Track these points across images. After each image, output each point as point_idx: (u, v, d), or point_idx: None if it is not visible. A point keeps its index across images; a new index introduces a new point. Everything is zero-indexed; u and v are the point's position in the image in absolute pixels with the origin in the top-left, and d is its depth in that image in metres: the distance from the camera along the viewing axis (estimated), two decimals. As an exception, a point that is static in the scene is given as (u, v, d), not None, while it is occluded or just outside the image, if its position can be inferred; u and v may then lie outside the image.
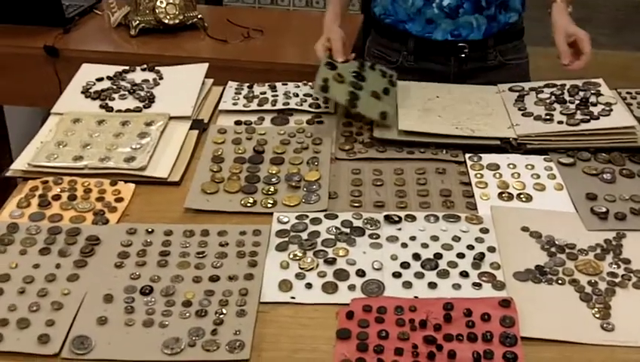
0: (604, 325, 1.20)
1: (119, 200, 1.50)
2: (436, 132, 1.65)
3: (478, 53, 2.00)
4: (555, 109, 1.71)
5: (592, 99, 1.73)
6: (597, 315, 1.22)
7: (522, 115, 1.72)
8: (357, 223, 1.42)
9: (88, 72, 1.95)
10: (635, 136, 1.63)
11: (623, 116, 1.68)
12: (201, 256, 1.34)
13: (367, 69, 1.84)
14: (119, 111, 1.78)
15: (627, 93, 1.92)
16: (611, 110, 1.68)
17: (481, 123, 1.69)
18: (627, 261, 1.34)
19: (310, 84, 1.90)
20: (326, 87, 1.70)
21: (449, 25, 1.95)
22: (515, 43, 2.06)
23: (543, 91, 1.81)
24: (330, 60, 1.80)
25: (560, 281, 1.29)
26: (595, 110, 1.69)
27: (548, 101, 1.75)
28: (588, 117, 1.66)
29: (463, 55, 1.99)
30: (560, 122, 1.66)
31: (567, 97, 1.76)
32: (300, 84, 1.93)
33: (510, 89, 1.85)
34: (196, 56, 2.28)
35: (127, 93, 1.85)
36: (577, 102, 1.73)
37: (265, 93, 1.88)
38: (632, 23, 5.32)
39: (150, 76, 1.93)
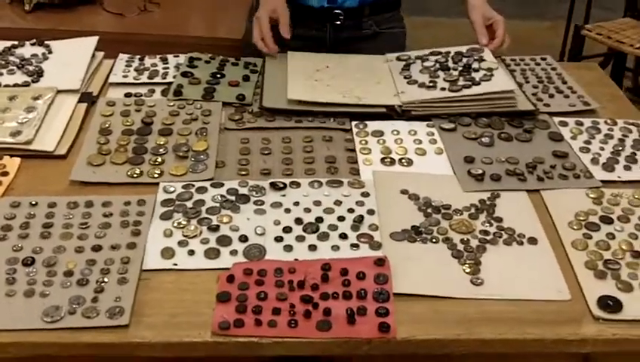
0: (474, 280, 1.26)
1: (4, 174, 1.49)
2: (323, 100, 1.68)
3: (353, 21, 2.03)
4: (438, 76, 1.76)
5: (475, 65, 1.78)
6: (467, 271, 1.28)
7: (407, 82, 1.76)
8: (242, 191, 1.44)
9: (-24, 48, 1.91)
10: (513, 101, 1.69)
11: (503, 81, 1.73)
12: (84, 226, 1.34)
13: (228, 66, 1.89)
14: (7, 86, 1.76)
15: (511, 60, 2.00)
16: (492, 75, 1.74)
17: (367, 91, 1.73)
18: (499, 219, 1.40)
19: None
20: (180, 91, 1.75)
21: None
22: (392, 13, 2.10)
23: (428, 59, 1.86)
24: (186, 70, 1.84)
25: (434, 240, 1.34)
26: (477, 76, 1.74)
27: (432, 68, 1.80)
28: (470, 83, 1.71)
29: (339, 22, 2.01)
30: (443, 88, 1.71)
31: (450, 64, 1.81)
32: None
33: (398, 58, 1.89)
34: (93, 31, 2.24)
35: (15, 68, 1.83)
36: (460, 68, 1.78)
37: (156, 65, 1.88)
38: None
39: (39, 51, 1.90)
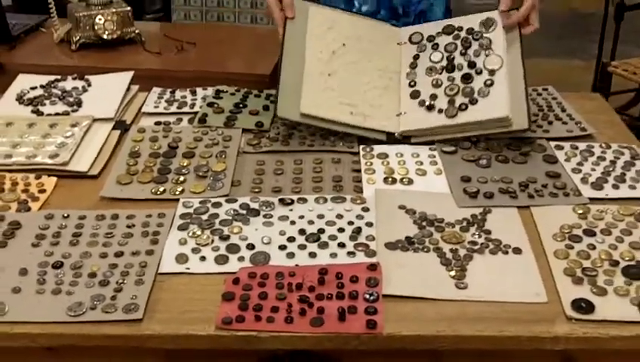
0: (459, 284, 1.37)
1: (42, 191, 1.66)
2: (333, 118, 1.80)
3: None
4: (440, 85, 1.84)
5: (479, 63, 1.83)
6: (452, 275, 1.38)
7: (411, 96, 1.86)
8: (253, 205, 1.58)
9: (23, 82, 2.11)
10: (507, 123, 1.75)
11: (499, 102, 1.76)
12: (109, 236, 1.49)
13: (251, 97, 2.05)
14: (49, 115, 1.94)
15: (533, 90, 2.09)
16: (492, 83, 1.79)
17: (373, 106, 1.84)
18: (488, 231, 1.50)
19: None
20: (204, 119, 1.92)
21: None
22: None
23: (438, 44, 1.92)
24: (212, 101, 2.00)
25: (425, 249, 1.45)
26: (476, 86, 1.80)
27: (438, 67, 1.88)
28: (467, 100, 1.79)
29: None
30: (440, 110, 1.80)
31: (456, 60, 1.87)
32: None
33: (410, 40, 1.97)
34: (133, 68, 2.43)
35: (57, 99, 2.01)
36: (465, 71, 1.84)
37: (185, 97, 2.05)
38: (571, 31, 5.59)
39: (80, 84, 2.09)
